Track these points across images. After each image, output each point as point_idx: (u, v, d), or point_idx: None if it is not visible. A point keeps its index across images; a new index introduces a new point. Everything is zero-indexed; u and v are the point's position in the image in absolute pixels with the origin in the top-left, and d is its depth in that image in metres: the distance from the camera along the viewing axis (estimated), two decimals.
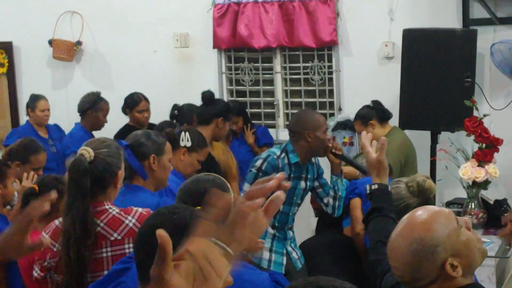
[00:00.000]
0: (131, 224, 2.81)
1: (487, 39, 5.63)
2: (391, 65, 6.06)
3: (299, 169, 4.42)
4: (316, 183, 4.54)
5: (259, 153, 6.31)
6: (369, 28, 6.22)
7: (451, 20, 5.85)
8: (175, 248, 1.40)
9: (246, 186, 4.40)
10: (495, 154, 4.87)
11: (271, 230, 4.44)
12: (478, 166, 4.82)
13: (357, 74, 6.32)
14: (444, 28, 5.48)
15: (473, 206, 4.89)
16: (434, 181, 5.35)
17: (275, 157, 4.35)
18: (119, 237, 2.81)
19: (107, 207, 2.87)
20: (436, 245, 1.94)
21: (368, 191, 2.70)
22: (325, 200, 4.52)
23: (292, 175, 4.38)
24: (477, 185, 4.83)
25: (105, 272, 2.66)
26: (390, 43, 6.11)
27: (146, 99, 6.24)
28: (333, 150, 4.33)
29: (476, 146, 4.92)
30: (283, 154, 4.38)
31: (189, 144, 4.16)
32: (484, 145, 4.85)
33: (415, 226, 1.99)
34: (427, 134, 5.63)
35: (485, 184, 4.83)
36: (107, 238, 2.80)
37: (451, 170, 5.18)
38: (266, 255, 4.42)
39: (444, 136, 5.51)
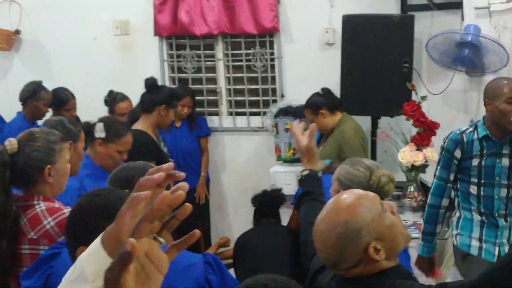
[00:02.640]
0: (48, 226, 2.71)
1: (424, 24, 5.72)
2: (332, 51, 6.10)
3: (494, 144, 3.88)
4: None
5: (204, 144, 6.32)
6: (310, 14, 6.25)
7: (390, 6, 5.92)
8: (97, 229, 1.41)
9: (441, 171, 3.99)
10: (433, 138, 4.97)
11: (477, 217, 3.96)
12: (416, 150, 4.91)
13: (299, 61, 6.35)
14: (382, 14, 5.54)
15: (412, 189, 4.98)
16: None
17: (457, 132, 3.92)
18: (34, 236, 2.71)
19: (35, 202, 2.78)
20: (360, 229, 1.94)
21: (299, 177, 2.72)
22: None
23: (485, 151, 3.88)
24: (415, 169, 4.92)
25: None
26: (330, 29, 6.15)
27: (74, 96, 6.11)
28: None
29: (414, 130, 5.00)
30: (471, 128, 3.92)
31: (103, 135, 3.92)
32: (422, 129, 4.94)
33: (340, 209, 1.99)
34: (367, 119, 5.70)
35: (423, 167, 4.92)
36: (25, 235, 2.72)
37: (391, 154, 5.26)
38: (475, 243, 3.96)
39: (384, 120, 5.59)
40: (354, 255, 1.96)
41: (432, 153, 4.85)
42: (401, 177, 5.15)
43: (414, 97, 5.08)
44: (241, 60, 6.64)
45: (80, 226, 1.61)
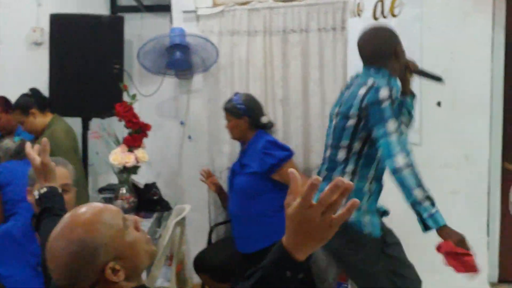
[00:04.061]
0: None
1: (135, 26, 5.76)
2: (41, 51, 5.89)
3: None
4: None
5: None
6: (16, 13, 5.99)
7: (100, 6, 5.88)
8: None
9: (392, 122, 3.08)
10: (144, 139, 5.00)
11: (369, 186, 3.30)
12: (128, 151, 4.91)
13: (5, 61, 6.05)
14: (91, 14, 5.46)
15: (124, 191, 4.96)
16: (86, 167, 5.36)
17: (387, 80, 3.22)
18: None
19: None
20: (97, 247, 1.77)
21: (36, 196, 2.42)
22: None
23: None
24: (127, 170, 4.91)
25: None
26: (38, 28, 5.95)
27: None
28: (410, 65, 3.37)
29: (126, 132, 5.00)
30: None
31: None
32: (134, 130, 4.95)
33: (76, 225, 1.79)
34: (79, 121, 5.59)
35: (135, 168, 4.93)
36: None
37: (103, 156, 5.21)
38: (367, 218, 3.30)
39: (96, 121, 5.52)
40: (90, 276, 1.77)
41: (144, 154, 4.88)
42: (114, 179, 5.14)
43: (126, 98, 5.08)
44: None
45: None
